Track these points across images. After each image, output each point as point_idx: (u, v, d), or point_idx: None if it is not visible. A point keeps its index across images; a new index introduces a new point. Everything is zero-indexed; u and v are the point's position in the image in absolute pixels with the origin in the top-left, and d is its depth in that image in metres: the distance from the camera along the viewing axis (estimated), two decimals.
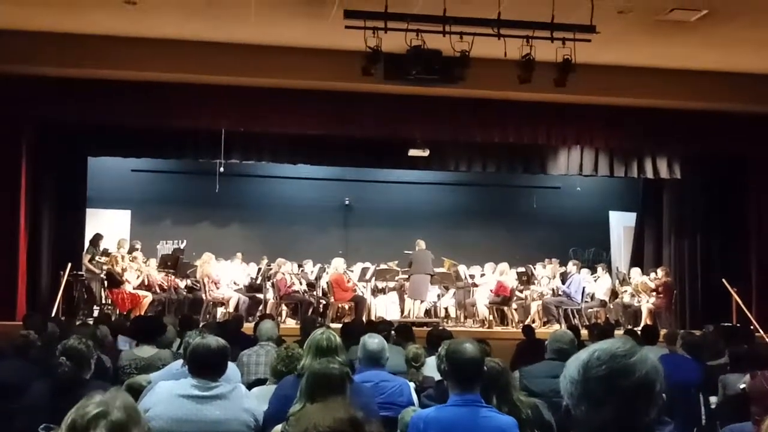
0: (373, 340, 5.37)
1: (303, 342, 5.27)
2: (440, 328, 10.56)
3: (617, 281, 15.45)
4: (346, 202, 17.76)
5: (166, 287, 13.52)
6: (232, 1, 10.14)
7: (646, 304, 14.12)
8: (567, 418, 1.95)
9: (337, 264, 14.07)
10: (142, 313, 12.16)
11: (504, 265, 14.31)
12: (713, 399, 6.83)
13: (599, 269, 15.12)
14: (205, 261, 13.68)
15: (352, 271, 14.59)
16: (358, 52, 9.59)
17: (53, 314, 11.58)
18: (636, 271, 15.06)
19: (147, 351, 6.46)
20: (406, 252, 14.43)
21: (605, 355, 1.91)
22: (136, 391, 4.77)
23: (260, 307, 13.68)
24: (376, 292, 14.89)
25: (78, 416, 2.00)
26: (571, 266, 14.55)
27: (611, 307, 14.62)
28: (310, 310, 13.49)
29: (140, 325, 7.42)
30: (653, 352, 7.72)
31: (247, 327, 10.03)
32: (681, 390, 6.76)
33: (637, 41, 11.26)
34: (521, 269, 14.74)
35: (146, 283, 13.29)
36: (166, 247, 15.36)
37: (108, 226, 15.05)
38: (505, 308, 14.22)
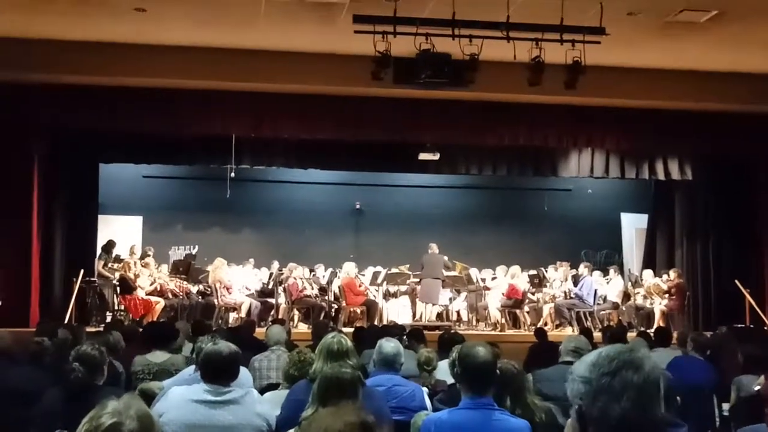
0: (389, 344, 5.37)
1: (315, 346, 5.27)
2: (452, 331, 10.54)
3: (629, 283, 15.39)
4: (357, 207, 17.77)
5: (178, 293, 13.55)
6: (241, 7, 10.17)
7: (659, 306, 14.07)
8: (580, 419, 1.96)
9: (349, 268, 14.08)
10: (155, 319, 12.21)
11: (516, 268, 14.28)
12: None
13: (611, 271, 15.07)
14: (216, 266, 13.71)
15: (363, 275, 14.60)
16: (368, 56, 9.59)
17: (66, 321, 11.62)
18: (648, 273, 15.00)
19: (160, 356, 6.48)
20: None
21: (612, 351, 1.99)
22: (149, 397, 4.78)
23: (272, 312, 13.69)
24: (387, 296, 14.88)
25: (92, 427, 1.98)
26: (582, 268, 14.50)
27: (624, 309, 14.56)
28: (322, 315, 13.49)
29: (153, 331, 7.45)
30: (666, 354, 7.73)
31: (259, 332, 10.03)
32: (694, 392, 6.73)
33: (647, 42, 11.24)
34: (533, 272, 14.70)
35: (158, 288, 13.32)
36: (177, 253, 15.40)
37: (120, 232, 15.12)
38: (517, 311, 14.19)
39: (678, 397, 6.04)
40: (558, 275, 15.05)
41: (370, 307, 13.79)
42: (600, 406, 1.92)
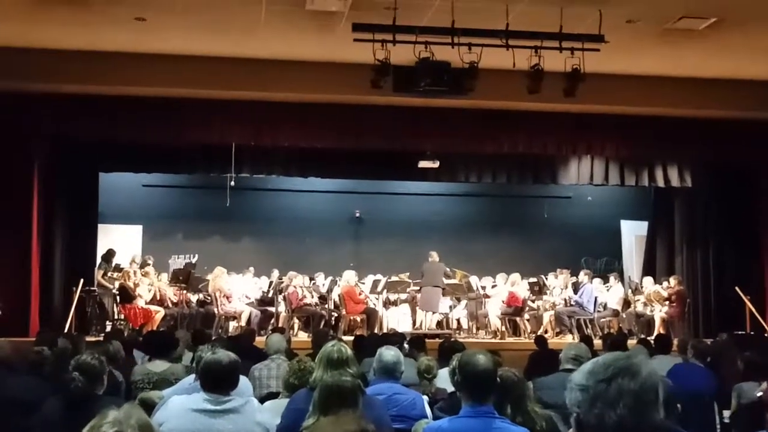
0: (389, 352, 5.37)
1: (315, 355, 5.27)
2: (452, 339, 10.52)
3: (630, 290, 15.37)
4: (357, 215, 17.78)
5: (177, 302, 13.54)
6: (240, 15, 10.18)
7: (659, 313, 14.06)
8: (579, 428, 1.96)
9: (349, 276, 14.06)
10: (155, 328, 12.19)
11: (516, 276, 14.28)
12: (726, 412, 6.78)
13: (611, 278, 15.04)
14: (216, 275, 13.70)
15: (363, 284, 14.59)
16: (367, 64, 9.59)
17: (66, 330, 11.61)
18: (648, 280, 14.99)
19: (160, 366, 6.48)
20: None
21: (609, 358, 2.01)
22: (149, 407, 4.77)
23: (272, 321, 13.68)
24: (387, 304, 14.88)
25: None
26: (583, 276, 14.50)
27: (624, 316, 14.54)
28: (322, 323, 13.47)
29: (152, 340, 7.44)
30: (666, 361, 7.72)
31: (259, 341, 10.01)
32: (694, 399, 6.72)
33: (646, 50, 11.25)
34: (533, 279, 14.69)
35: (158, 297, 13.32)
36: (177, 262, 15.39)
37: (120, 241, 15.11)
38: (518, 319, 14.18)
39: (678, 405, 6.03)
40: (558, 283, 15.05)
41: (370, 316, 13.78)
42: (596, 413, 1.92)
